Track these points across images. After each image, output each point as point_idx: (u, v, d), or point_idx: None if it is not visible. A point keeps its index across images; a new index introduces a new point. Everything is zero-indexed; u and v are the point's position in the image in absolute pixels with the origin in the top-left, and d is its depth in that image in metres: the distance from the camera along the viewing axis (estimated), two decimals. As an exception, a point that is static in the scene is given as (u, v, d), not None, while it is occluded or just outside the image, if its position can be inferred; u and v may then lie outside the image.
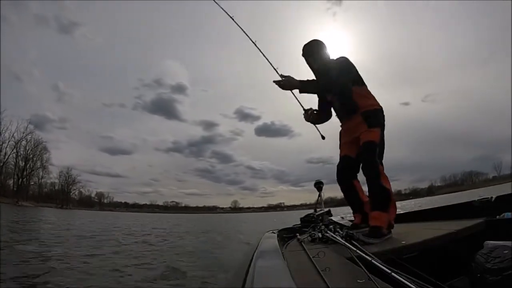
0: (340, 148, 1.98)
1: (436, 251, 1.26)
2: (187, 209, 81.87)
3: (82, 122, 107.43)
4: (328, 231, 1.49)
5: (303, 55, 1.99)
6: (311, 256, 1.04)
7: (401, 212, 2.05)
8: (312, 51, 1.95)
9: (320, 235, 1.49)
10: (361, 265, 0.82)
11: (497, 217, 1.49)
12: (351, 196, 1.89)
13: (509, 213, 1.46)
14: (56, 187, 51.77)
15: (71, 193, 54.19)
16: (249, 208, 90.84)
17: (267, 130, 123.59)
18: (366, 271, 0.76)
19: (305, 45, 1.97)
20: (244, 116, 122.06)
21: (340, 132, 2.01)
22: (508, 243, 1.00)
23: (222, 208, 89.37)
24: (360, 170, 1.80)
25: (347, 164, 1.88)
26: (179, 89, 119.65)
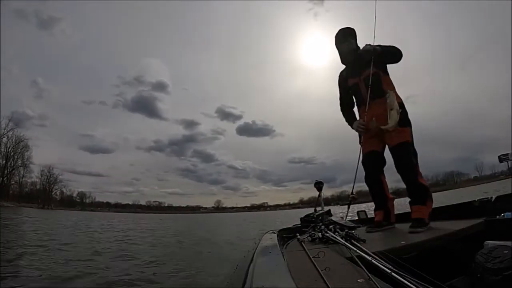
0: (362, 143, 1.97)
1: (436, 251, 1.26)
2: (170, 209, 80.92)
3: (62, 120, 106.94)
4: (328, 231, 1.48)
5: (341, 38, 2.05)
6: (311, 256, 1.04)
7: (401, 212, 2.05)
8: (350, 35, 2.04)
9: (320, 235, 1.49)
10: (361, 265, 0.82)
11: (497, 217, 1.49)
12: (377, 192, 1.92)
13: (509, 213, 1.46)
14: (38, 187, 49.47)
15: (52, 193, 52.04)
16: (232, 208, 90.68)
17: (248, 130, 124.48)
18: (366, 271, 0.76)
19: (343, 29, 2.06)
20: (225, 115, 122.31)
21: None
22: (508, 243, 1.00)
23: (206, 207, 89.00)
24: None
25: (375, 160, 1.91)
26: (160, 87, 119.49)
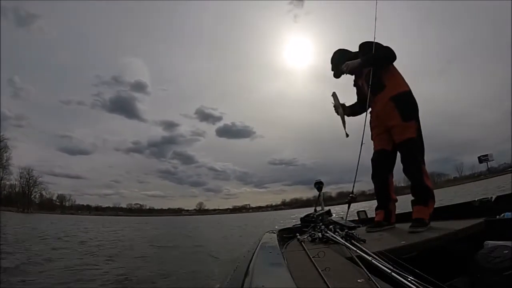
0: (372, 139, 1.97)
1: (436, 251, 1.26)
2: (151, 212, 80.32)
3: (39, 120, 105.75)
4: (328, 231, 1.48)
5: (338, 60, 2.13)
6: (311, 256, 1.04)
7: (400, 212, 2.05)
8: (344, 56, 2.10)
9: (320, 235, 1.49)
10: (361, 265, 0.82)
11: (497, 217, 1.49)
12: (381, 192, 1.91)
13: (509, 213, 1.46)
14: (17, 189, 47.67)
15: (32, 196, 50.30)
16: (214, 210, 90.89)
17: (228, 131, 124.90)
18: (366, 271, 0.76)
19: (337, 52, 2.16)
20: (205, 116, 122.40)
21: (370, 121, 2.01)
22: (508, 243, 1.00)
23: (188, 210, 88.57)
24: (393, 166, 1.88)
25: (384, 159, 1.89)
26: (139, 87, 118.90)
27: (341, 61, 2.08)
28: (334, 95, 2.21)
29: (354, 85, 2.18)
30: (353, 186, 2.12)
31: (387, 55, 1.87)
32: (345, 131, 2.13)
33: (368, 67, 1.92)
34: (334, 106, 2.21)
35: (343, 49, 2.18)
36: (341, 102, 2.20)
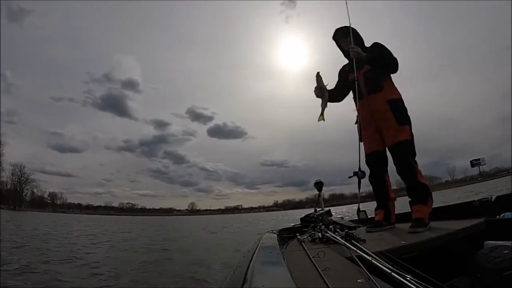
0: (364, 141, 1.98)
1: (436, 251, 1.26)
2: (143, 211, 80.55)
3: (30, 116, 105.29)
4: (328, 231, 1.49)
5: (344, 33, 2.04)
6: (311, 256, 1.04)
7: (401, 212, 2.05)
8: (348, 32, 2.03)
9: (320, 235, 1.49)
10: (361, 265, 0.82)
11: (497, 217, 1.49)
12: (380, 192, 1.93)
13: (509, 213, 1.46)
14: (8, 186, 47.00)
15: (23, 193, 49.98)
16: (206, 210, 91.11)
17: (220, 132, 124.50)
18: (366, 271, 0.76)
19: (343, 27, 2.05)
20: (196, 116, 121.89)
21: (358, 120, 2.01)
22: (508, 243, 1.00)
23: (179, 210, 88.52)
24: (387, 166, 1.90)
25: (378, 160, 1.92)
26: (130, 85, 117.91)
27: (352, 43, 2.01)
28: (318, 76, 2.11)
29: (340, 74, 2.17)
30: (359, 188, 2.11)
31: (393, 65, 1.87)
32: (323, 116, 2.09)
33: (368, 64, 1.92)
34: (317, 88, 2.11)
35: (361, 37, 2.08)
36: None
